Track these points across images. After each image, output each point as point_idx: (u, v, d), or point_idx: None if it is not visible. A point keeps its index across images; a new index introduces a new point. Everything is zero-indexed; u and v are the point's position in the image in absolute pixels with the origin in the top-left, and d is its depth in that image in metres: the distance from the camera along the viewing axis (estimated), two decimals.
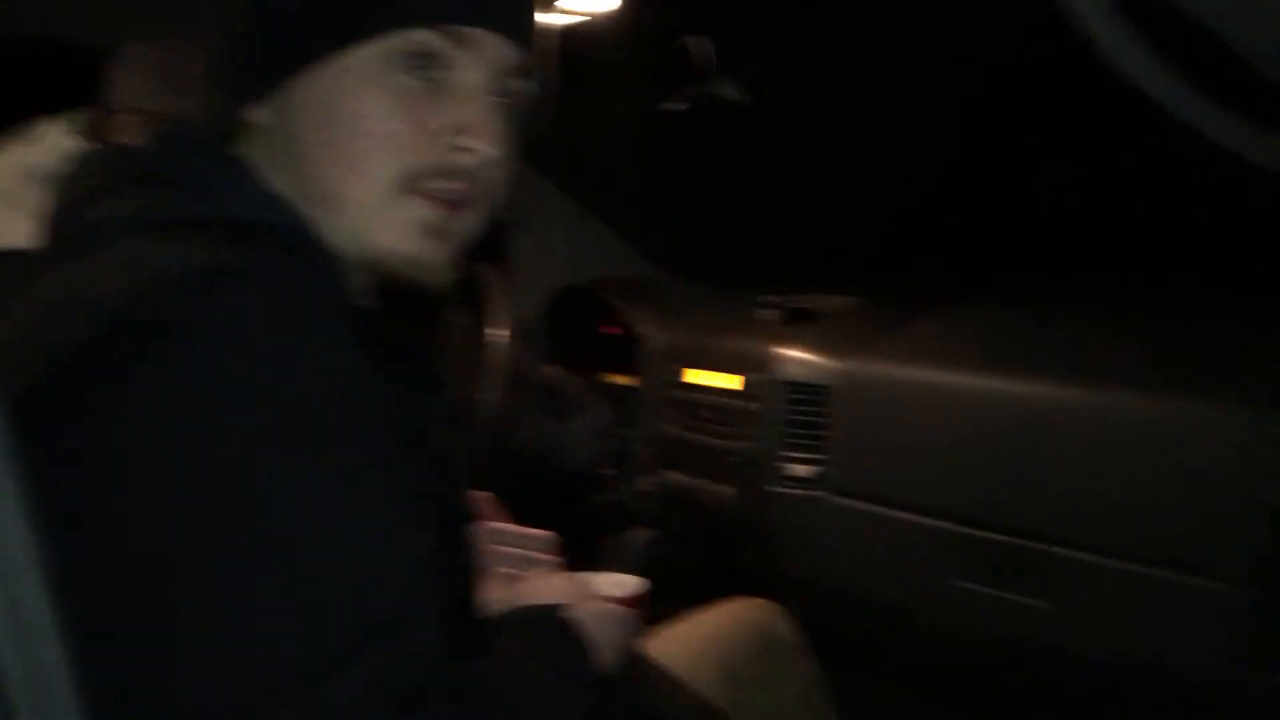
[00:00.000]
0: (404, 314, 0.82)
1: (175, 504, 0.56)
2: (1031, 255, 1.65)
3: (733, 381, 1.64)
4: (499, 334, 1.75)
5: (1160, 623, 1.12)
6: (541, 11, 1.02)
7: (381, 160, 0.70)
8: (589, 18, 1.55)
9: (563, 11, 1.61)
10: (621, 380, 1.93)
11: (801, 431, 1.52)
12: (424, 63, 0.70)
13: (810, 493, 1.49)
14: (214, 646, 0.55)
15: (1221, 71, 0.99)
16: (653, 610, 1.06)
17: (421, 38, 0.69)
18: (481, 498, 1.07)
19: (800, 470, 1.51)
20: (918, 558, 1.35)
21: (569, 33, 1.62)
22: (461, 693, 0.61)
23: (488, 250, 2.05)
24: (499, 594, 1.00)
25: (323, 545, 0.57)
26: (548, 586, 0.91)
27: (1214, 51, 0.97)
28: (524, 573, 1.03)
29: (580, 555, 1.24)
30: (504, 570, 1.04)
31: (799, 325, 1.68)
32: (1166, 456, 1.14)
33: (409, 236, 0.71)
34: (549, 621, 0.85)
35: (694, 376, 1.72)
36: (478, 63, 0.71)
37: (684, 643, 1.25)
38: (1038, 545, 1.23)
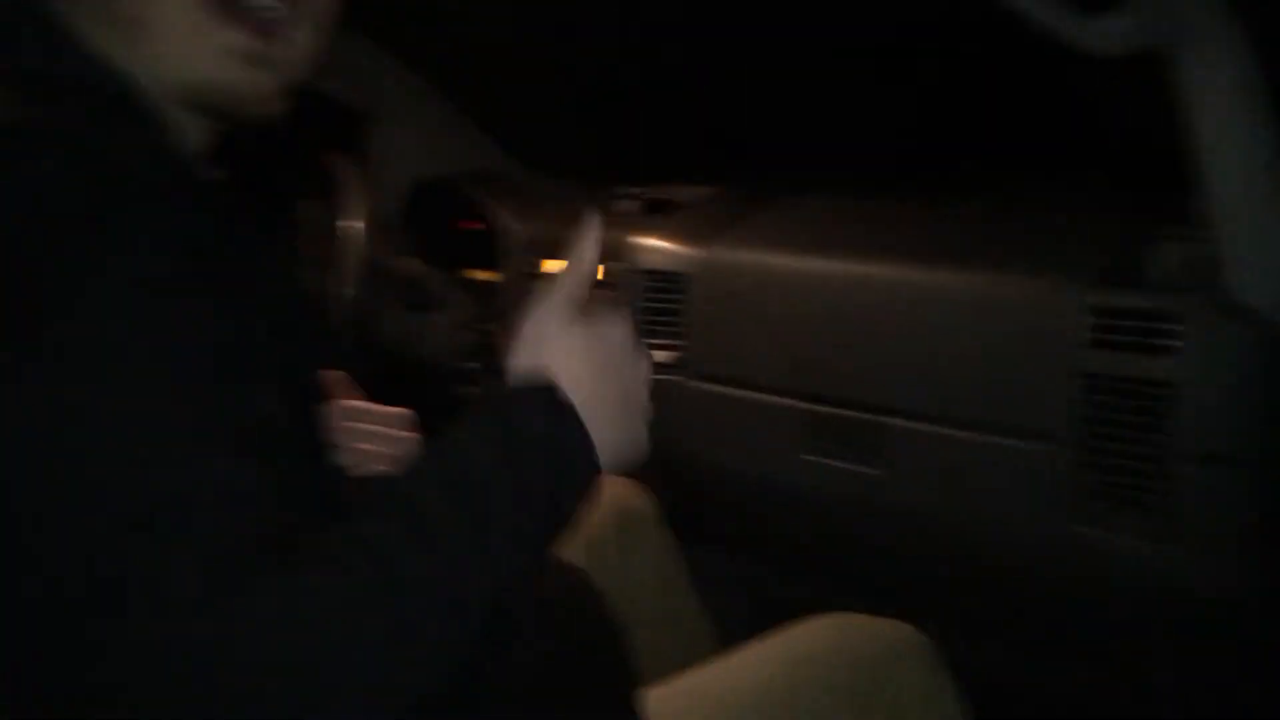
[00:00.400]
0: (245, 183, 0.81)
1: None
2: (874, 145, 1.70)
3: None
4: (355, 225, 1.72)
5: (984, 483, 1.21)
6: None
7: None
8: None
9: None
10: (483, 274, 1.92)
11: (660, 319, 1.56)
12: None
13: (669, 377, 1.53)
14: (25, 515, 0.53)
15: None
16: None
17: None
18: (334, 376, 1.07)
19: (660, 356, 1.55)
20: (768, 435, 1.41)
21: None
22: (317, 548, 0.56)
23: (343, 140, 2.00)
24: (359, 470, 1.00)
25: (133, 418, 0.55)
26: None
27: None
28: (382, 449, 1.04)
29: None
30: (361, 446, 1.04)
31: (657, 215, 1.70)
32: (992, 329, 1.21)
33: (228, 65, 0.69)
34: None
35: (555, 268, 1.73)
36: None
37: None
38: (874, 417, 1.30)
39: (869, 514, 1.34)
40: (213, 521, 0.54)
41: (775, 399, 1.41)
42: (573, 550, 1.21)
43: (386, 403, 1.10)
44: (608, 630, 0.89)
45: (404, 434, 1.04)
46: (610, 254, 1.63)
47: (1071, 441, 1.15)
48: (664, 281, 1.55)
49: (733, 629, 1.43)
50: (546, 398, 0.65)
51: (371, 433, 1.02)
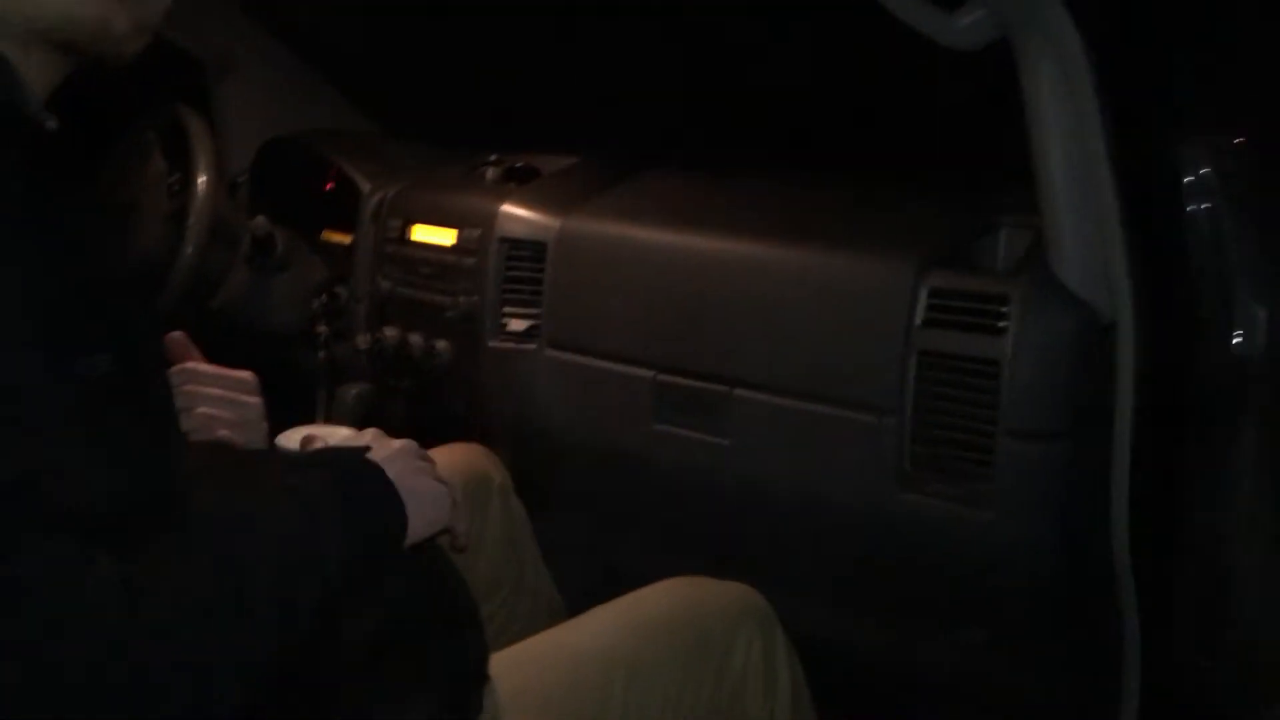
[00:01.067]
0: (80, 131, 0.77)
1: None
2: (734, 125, 1.74)
3: (452, 237, 1.64)
4: (201, 180, 1.65)
5: (822, 452, 1.26)
6: None
7: None
8: None
9: None
10: (336, 236, 1.88)
11: (518, 287, 1.56)
12: None
13: (525, 346, 1.53)
14: None
15: None
16: None
17: None
18: (174, 338, 1.03)
19: (516, 325, 1.55)
20: (621, 404, 1.43)
21: None
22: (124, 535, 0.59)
23: (190, 91, 1.91)
24: (200, 435, 0.98)
25: None
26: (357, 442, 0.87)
27: None
28: (225, 413, 1.01)
29: (291, 411, 1.22)
30: (204, 411, 1.01)
31: (519, 183, 1.69)
32: (834, 306, 1.26)
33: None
34: (348, 461, 0.79)
35: (413, 232, 1.71)
36: None
37: None
38: (721, 388, 1.34)
39: (716, 482, 1.37)
40: (41, 501, 0.54)
41: (628, 368, 1.43)
42: None
43: (229, 366, 1.07)
44: (452, 595, 0.90)
45: (248, 398, 1.01)
46: (470, 220, 1.62)
47: (904, 414, 1.21)
48: (524, 250, 1.55)
49: (579, 596, 1.45)
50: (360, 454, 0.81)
51: (214, 396, 0.99)
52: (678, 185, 1.60)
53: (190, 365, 1.01)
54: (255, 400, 1.02)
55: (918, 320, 1.20)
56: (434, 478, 0.85)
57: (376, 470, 0.78)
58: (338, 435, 1.30)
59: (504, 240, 1.57)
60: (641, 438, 1.41)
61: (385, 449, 0.83)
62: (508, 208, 1.59)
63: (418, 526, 0.80)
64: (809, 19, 1.50)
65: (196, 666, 0.59)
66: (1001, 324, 1.15)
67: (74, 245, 0.64)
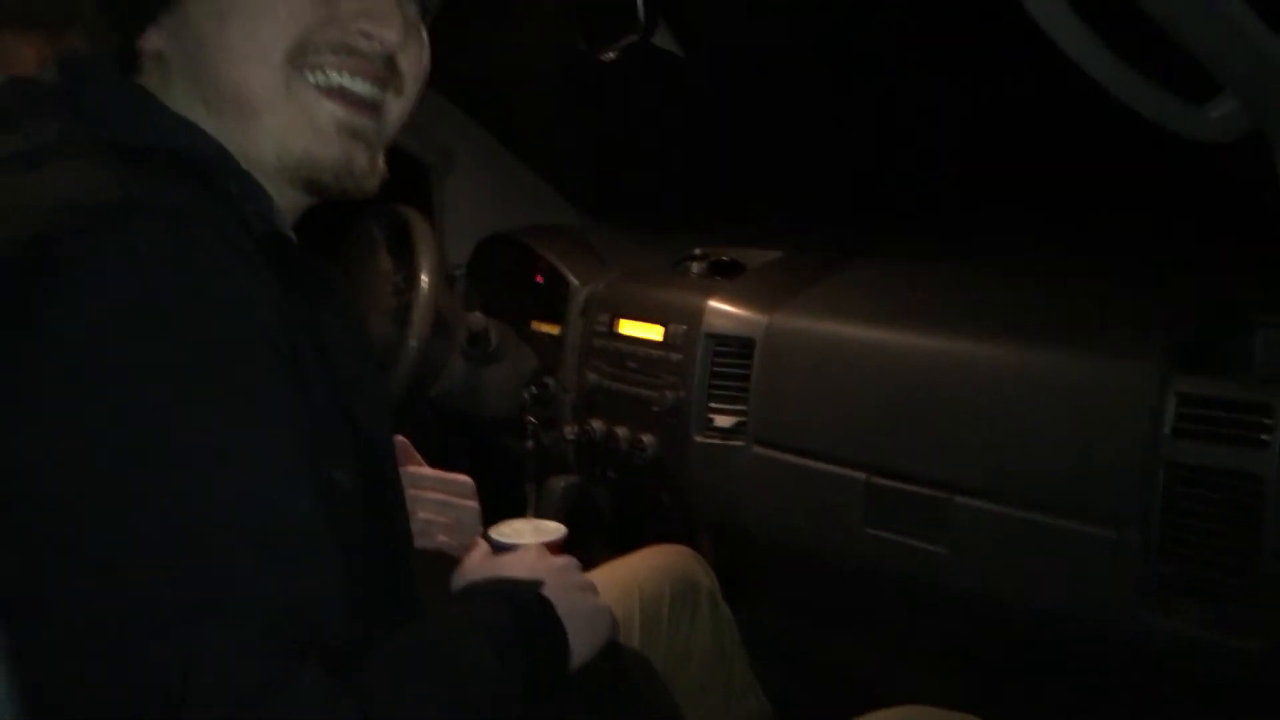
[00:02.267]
0: (322, 245, 0.81)
1: (69, 436, 0.56)
2: (947, 213, 1.69)
3: (659, 331, 1.65)
4: (423, 278, 1.73)
5: (1051, 566, 1.17)
6: None
7: (279, 33, 0.69)
8: None
9: None
10: (547, 328, 1.93)
11: (725, 382, 1.55)
12: None
13: (732, 442, 1.51)
14: (98, 581, 0.55)
15: (1145, 43, 1.02)
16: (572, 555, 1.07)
17: None
18: (398, 442, 1.07)
19: (723, 420, 1.54)
20: (832, 505, 1.38)
21: None
22: (359, 658, 0.60)
23: (413, 193, 2.03)
24: (421, 542, 1.00)
25: (214, 486, 0.57)
26: (524, 562, 0.89)
27: (1138, 22, 1.00)
28: (443, 517, 1.03)
29: (502, 501, 1.25)
30: (424, 516, 1.03)
31: (724, 278, 1.69)
32: (1069, 411, 1.18)
33: (328, 139, 0.71)
34: (522, 597, 0.81)
35: (620, 326, 1.73)
36: None
37: (603, 587, 1.27)
38: (940, 493, 1.27)
39: (934, 591, 1.30)
40: (293, 597, 0.56)
41: (839, 469, 1.38)
42: (631, 624, 1.19)
43: (445, 454, 1.10)
44: (659, 703, 0.88)
45: (465, 502, 1.04)
46: (677, 316, 1.63)
47: (1147, 529, 1.11)
48: (731, 346, 1.54)
49: (788, 704, 1.40)
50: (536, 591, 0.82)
51: (433, 501, 1.02)
52: (889, 278, 1.56)
53: (413, 470, 1.04)
54: (472, 504, 1.04)
55: (1166, 429, 1.10)
56: (595, 599, 0.88)
57: (550, 609, 0.80)
58: (548, 531, 1.32)
59: (711, 336, 1.57)
60: (854, 541, 1.36)
61: (547, 568, 0.86)
62: (714, 303, 1.59)
63: (582, 651, 0.82)
64: (1036, 105, 1.45)
65: None
66: (1264, 436, 1.04)
67: (328, 360, 0.67)
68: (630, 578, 1.28)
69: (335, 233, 1.96)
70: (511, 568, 0.87)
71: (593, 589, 0.89)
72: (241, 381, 0.60)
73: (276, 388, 0.61)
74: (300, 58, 0.69)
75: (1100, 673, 1.19)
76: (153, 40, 0.71)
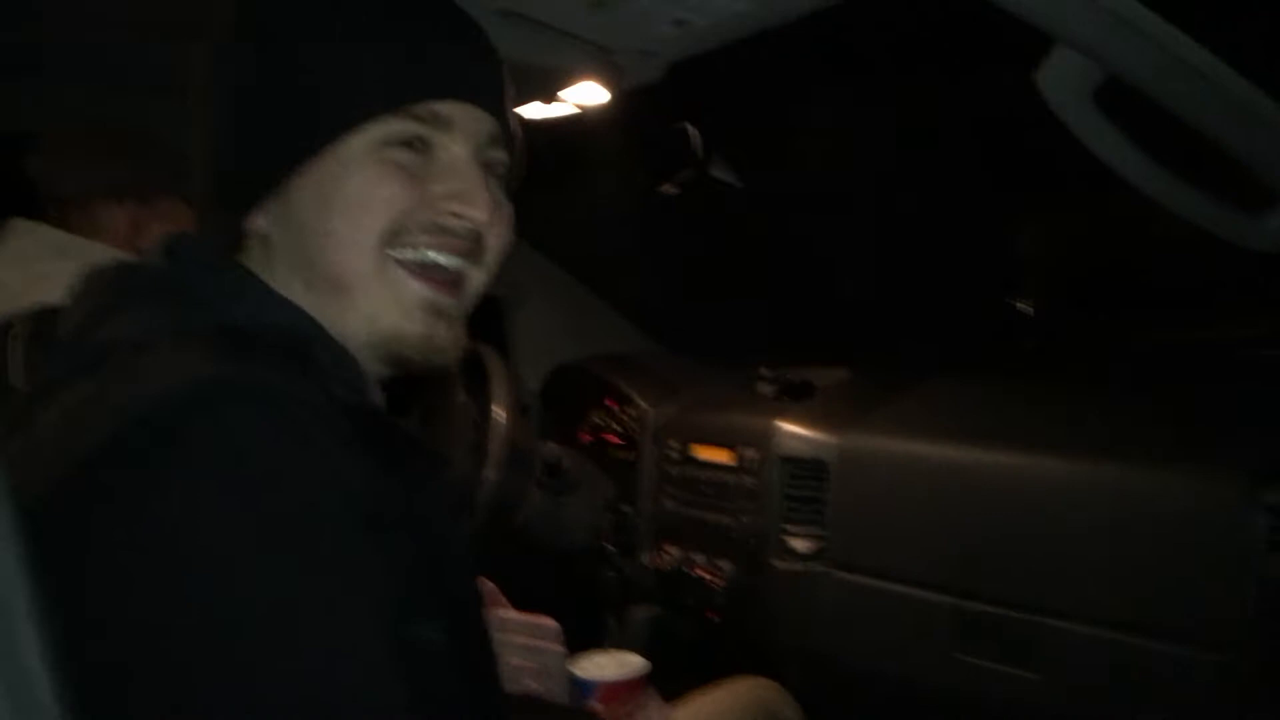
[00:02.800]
0: (409, 399, 0.84)
1: (169, 615, 0.57)
2: (1019, 327, 1.68)
3: (731, 456, 1.66)
4: (499, 411, 1.77)
5: (1149, 691, 1.13)
6: (543, 103, 1.07)
7: (376, 218, 0.73)
8: (581, 110, 1.62)
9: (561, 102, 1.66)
10: (621, 455, 1.94)
11: (800, 506, 1.54)
12: (410, 147, 0.73)
13: (810, 567, 1.50)
14: None
15: (1198, 156, 1.04)
16: (657, 688, 1.07)
17: (403, 125, 0.73)
18: (486, 587, 1.09)
19: (800, 545, 1.53)
20: (917, 632, 1.35)
21: (562, 123, 1.67)
22: None
23: (487, 327, 2.09)
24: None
25: (313, 665, 0.57)
26: None
27: (1186, 136, 1.01)
28: (530, 663, 1.04)
29: (584, 632, 1.25)
30: (512, 661, 1.05)
31: (795, 400, 1.70)
32: (1156, 528, 1.15)
33: (414, 317, 0.74)
34: None
35: (693, 451, 1.74)
36: (459, 138, 0.75)
37: None
38: (1028, 616, 1.24)
39: (1028, 718, 1.26)
40: None
41: (922, 593, 1.36)
42: None
43: (528, 587, 1.11)
44: None
45: (551, 646, 1.04)
46: (749, 439, 1.64)
47: (1247, 650, 1.07)
48: (804, 469, 1.54)
49: None
50: None
51: (521, 646, 1.03)
52: (962, 395, 1.55)
53: (500, 613, 1.06)
54: (559, 649, 1.05)
55: (1260, 543, 1.07)
56: None
57: None
58: (630, 664, 1.31)
59: (784, 460, 1.57)
60: (941, 669, 1.33)
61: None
62: (786, 425, 1.60)
63: None
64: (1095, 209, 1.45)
65: None
66: None
67: (419, 522, 0.69)
68: (715, 712, 1.26)
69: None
70: None
71: None
72: (334, 560, 0.61)
73: (369, 564, 0.63)
74: (394, 239, 0.74)
75: None
76: (258, 222, 0.75)
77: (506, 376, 1.85)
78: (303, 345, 0.72)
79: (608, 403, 2.01)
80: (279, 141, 0.73)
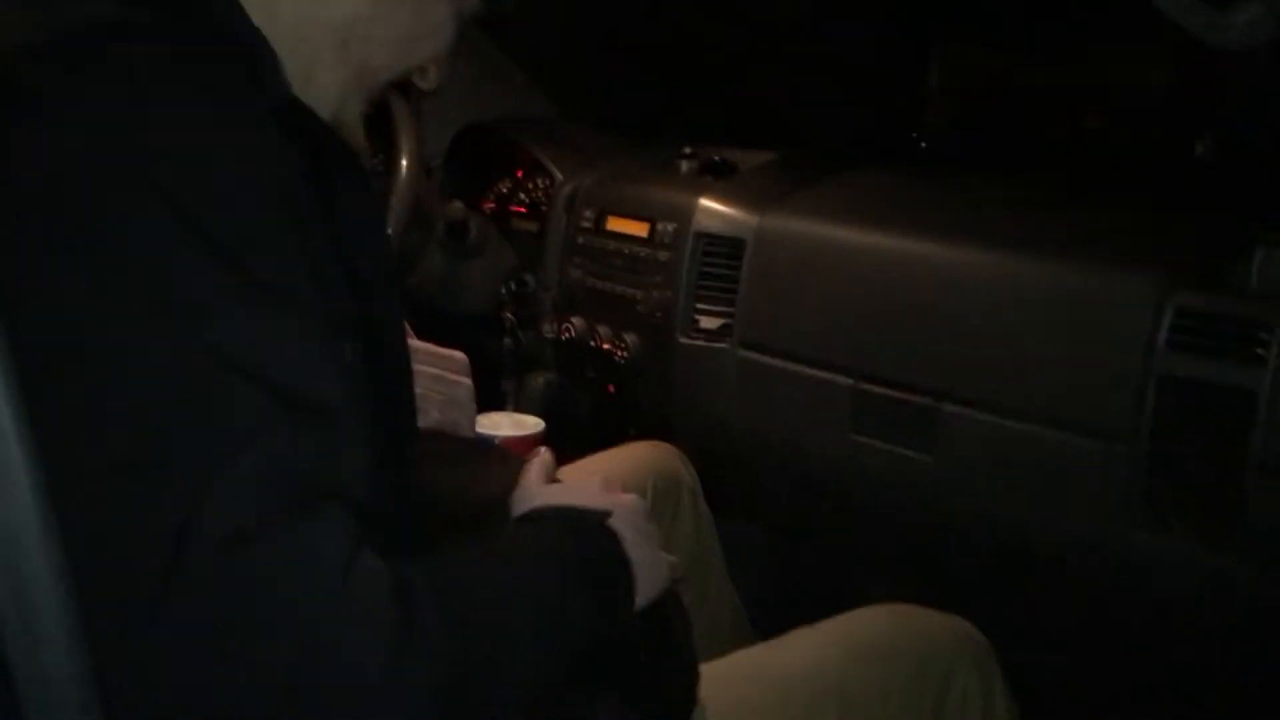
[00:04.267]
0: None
1: (71, 286, 0.53)
2: (949, 125, 1.66)
3: (646, 230, 1.61)
4: (404, 164, 1.67)
5: (1039, 478, 1.17)
6: None
7: None
8: None
9: None
10: (524, 224, 1.88)
11: (712, 284, 1.52)
12: None
13: (716, 344, 1.49)
14: (115, 422, 0.52)
15: None
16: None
17: None
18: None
19: (709, 322, 1.52)
20: (816, 410, 1.37)
21: None
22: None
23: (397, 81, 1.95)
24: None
25: (230, 327, 0.54)
26: (585, 492, 0.81)
27: None
28: (437, 394, 1.01)
29: (481, 396, 1.22)
30: (418, 391, 1.01)
31: (716, 177, 1.65)
32: (1062, 321, 1.17)
33: None
34: (590, 528, 0.74)
35: (607, 223, 1.69)
36: None
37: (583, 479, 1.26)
38: (927, 401, 1.26)
39: (916, 501, 1.30)
40: (313, 444, 0.54)
41: (825, 374, 1.37)
42: None
43: None
44: (667, 618, 0.86)
45: (460, 378, 1.01)
46: (667, 213, 1.59)
47: (1137, 443, 1.11)
48: (720, 245, 1.51)
49: (762, 607, 1.40)
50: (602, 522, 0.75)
51: (427, 375, 0.99)
52: (886, 184, 1.53)
53: (409, 341, 1.01)
54: (466, 381, 1.02)
55: (1161, 342, 1.10)
56: (659, 545, 0.80)
57: (617, 547, 0.74)
58: (526, 424, 1.29)
59: (700, 235, 1.54)
60: (837, 447, 1.35)
61: (614, 503, 0.77)
62: (705, 202, 1.55)
63: (641, 600, 0.75)
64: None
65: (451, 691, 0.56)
66: (1260, 352, 1.04)
67: (340, 230, 0.64)
68: (611, 470, 1.26)
69: None
70: (578, 496, 0.79)
71: (658, 535, 0.82)
72: (254, 241, 0.56)
73: (290, 249, 0.58)
74: None
75: (1085, 589, 1.20)
76: None
77: (415, 130, 1.74)
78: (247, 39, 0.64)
79: (516, 169, 1.92)
80: None
